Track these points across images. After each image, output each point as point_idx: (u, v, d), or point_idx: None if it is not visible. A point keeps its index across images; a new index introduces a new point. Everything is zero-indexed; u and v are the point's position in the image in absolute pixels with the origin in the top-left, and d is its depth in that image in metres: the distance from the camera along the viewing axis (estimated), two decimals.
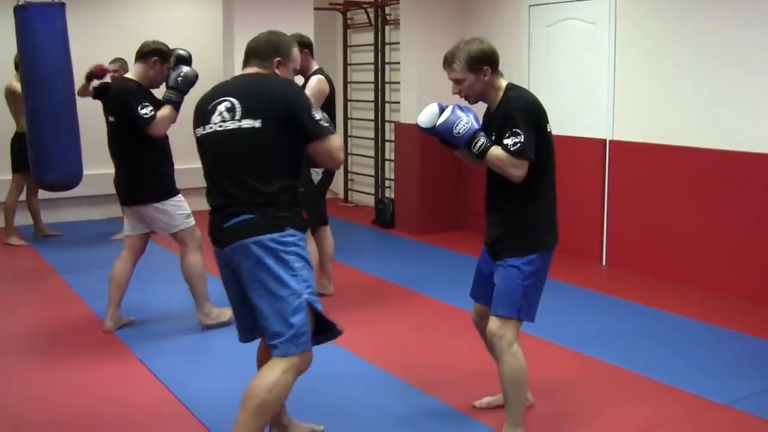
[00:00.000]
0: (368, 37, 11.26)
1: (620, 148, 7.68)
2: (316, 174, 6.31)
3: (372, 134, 11.21)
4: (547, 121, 4.09)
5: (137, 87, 5.70)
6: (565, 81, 8.24)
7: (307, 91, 6.12)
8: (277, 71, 3.78)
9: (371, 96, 11.16)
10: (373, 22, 11.07)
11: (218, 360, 5.47)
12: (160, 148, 5.79)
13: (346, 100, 11.79)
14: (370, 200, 11.29)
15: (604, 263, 7.92)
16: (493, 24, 9.01)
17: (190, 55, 5.90)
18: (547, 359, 5.41)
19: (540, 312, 5.90)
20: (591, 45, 7.93)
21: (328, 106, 6.27)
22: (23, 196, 9.00)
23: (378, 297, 6.92)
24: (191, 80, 5.78)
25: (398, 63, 9.98)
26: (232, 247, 3.63)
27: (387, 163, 11.00)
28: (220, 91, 3.75)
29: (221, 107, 3.66)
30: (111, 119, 5.82)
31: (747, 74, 6.65)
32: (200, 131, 3.75)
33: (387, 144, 10.97)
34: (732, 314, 6.32)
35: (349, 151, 11.87)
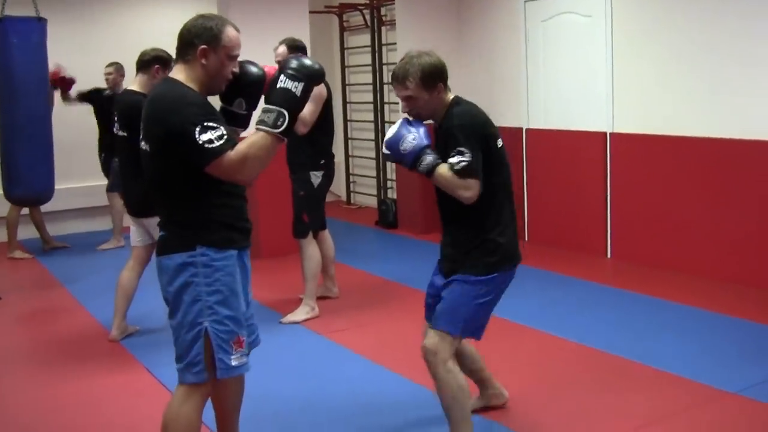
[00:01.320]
0: (365, 38, 11.25)
1: (621, 140, 7.66)
2: (316, 177, 6.30)
3: (372, 135, 11.20)
4: (496, 136, 3.86)
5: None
6: (564, 75, 8.23)
7: None
8: (203, 61, 3.28)
9: (370, 97, 11.15)
10: (369, 24, 11.07)
11: None
12: None
13: (345, 103, 11.79)
14: (373, 201, 11.28)
15: (608, 256, 7.90)
16: (488, 20, 9.01)
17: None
18: (551, 353, 5.42)
19: (545, 306, 5.91)
20: (588, 38, 7.92)
21: (325, 110, 6.26)
22: (26, 210, 9.00)
23: (382, 297, 6.92)
24: None
25: (395, 63, 9.95)
26: (157, 261, 3.43)
27: (388, 164, 10.98)
28: (146, 99, 3.43)
29: (141, 123, 3.38)
30: (121, 133, 5.77)
31: (745, 62, 6.63)
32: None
33: None
34: (737, 303, 6.30)
35: (350, 154, 11.87)
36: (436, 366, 3.85)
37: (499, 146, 3.86)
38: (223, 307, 3.32)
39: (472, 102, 3.94)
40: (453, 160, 3.69)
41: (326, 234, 6.64)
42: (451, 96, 3.90)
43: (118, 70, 8.68)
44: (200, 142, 3.13)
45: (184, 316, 3.32)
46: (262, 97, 3.43)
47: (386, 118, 10.91)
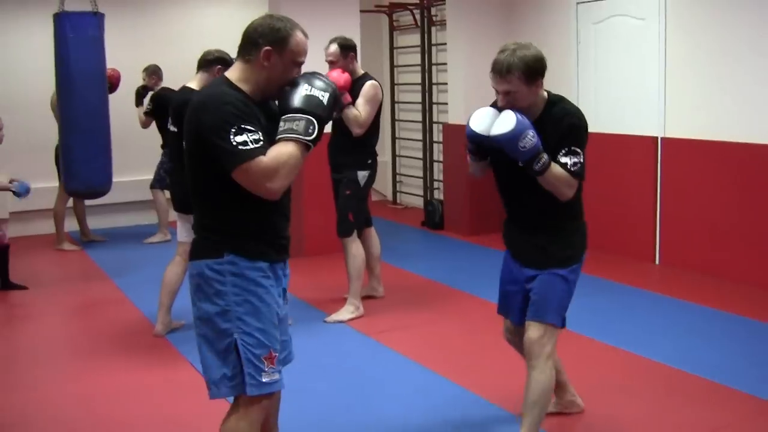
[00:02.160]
0: (415, 38, 11.23)
1: (672, 145, 7.56)
2: (363, 177, 6.30)
3: (420, 136, 11.17)
4: None
5: None
6: (615, 79, 8.13)
7: (361, 98, 6.11)
8: (265, 63, 3.12)
9: (418, 98, 11.12)
10: (419, 24, 11.04)
11: None
12: None
13: (393, 102, 11.77)
14: (419, 202, 11.25)
15: (657, 262, 7.80)
16: (540, 22, 8.93)
17: None
18: (600, 361, 5.35)
19: (593, 313, 5.85)
20: (641, 41, 7.82)
21: (377, 111, 6.27)
22: (70, 203, 9.13)
23: (428, 298, 6.88)
24: None
25: (445, 64, 9.94)
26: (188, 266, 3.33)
27: (435, 164, 10.95)
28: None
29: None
30: (172, 128, 5.79)
31: None
32: None
33: (435, 145, 10.93)
34: None
35: (397, 153, 11.85)
36: (538, 358, 3.85)
37: None
38: (252, 318, 3.15)
39: None
40: (568, 159, 3.69)
41: (372, 231, 6.62)
42: (544, 92, 3.85)
43: (154, 72, 8.87)
44: (234, 143, 2.97)
45: (213, 326, 3.16)
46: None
47: (434, 119, 10.88)
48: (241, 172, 3.00)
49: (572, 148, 3.70)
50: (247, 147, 2.98)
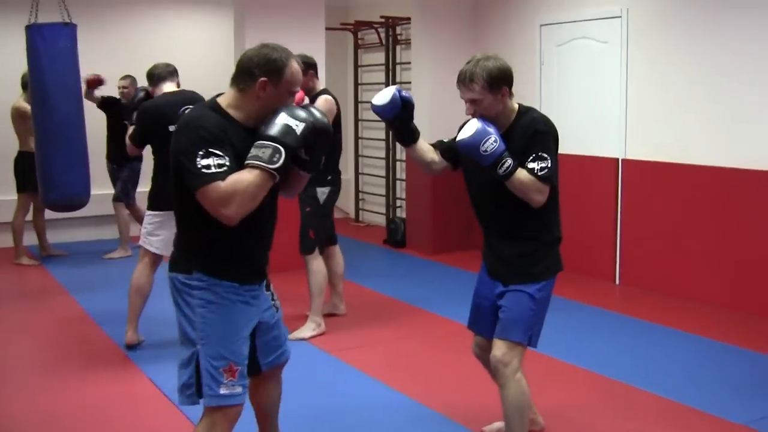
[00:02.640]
0: (379, 56, 11.28)
1: (633, 166, 7.65)
2: (322, 193, 6.30)
3: (383, 154, 11.20)
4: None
5: None
6: (577, 100, 8.22)
7: None
8: (260, 94, 3.18)
9: None
10: (383, 42, 11.09)
11: None
12: None
13: (357, 120, 11.79)
14: (382, 220, 11.27)
15: (617, 282, 7.87)
16: (504, 43, 9.01)
17: None
18: (560, 379, 5.38)
19: (553, 332, 5.86)
20: (603, 64, 7.92)
21: (335, 127, 6.25)
22: (29, 216, 9.02)
23: (390, 316, 6.89)
24: None
25: (409, 82, 9.97)
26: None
27: (398, 182, 10.98)
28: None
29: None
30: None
31: (759, 92, 6.64)
32: None
33: (398, 163, 10.96)
34: (747, 333, 6.26)
35: (359, 171, 11.86)
36: (507, 377, 3.90)
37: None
38: (215, 331, 3.23)
39: None
40: (535, 164, 3.78)
41: (336, 249, 6.62)
42: (515, 103, 3.96)
43: (132, 83, 8.81)
44: (198, 165, 3.02)
45: (182, 336, 3.31)
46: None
47: None
48: (200, 195, 3.07)
49: (539, 153, 3.78)
50: (209, 171, 3.02)
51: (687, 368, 5.57)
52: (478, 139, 3.74)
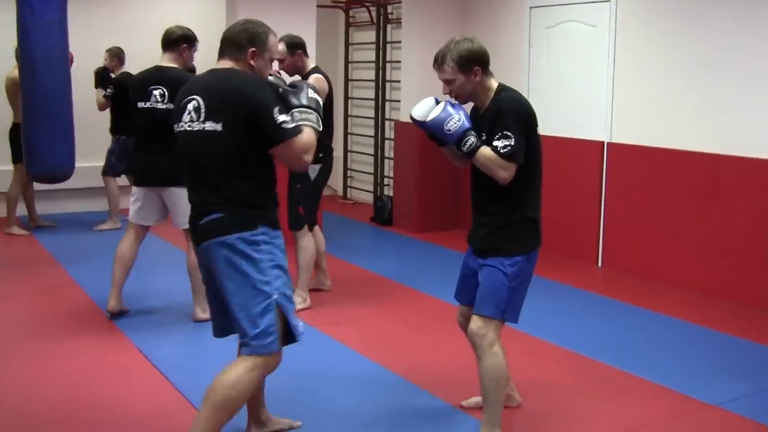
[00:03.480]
0: (370, 35, 11.33)
1: (618, 150, 7.74)
2: (313, 171, 6.36)
3: (372, 132, 11.27)
4: (536, 125, 4.08)
5: None
6: (565, 83, 8.31)
7: None
8: (251, 62, 3.67)
9: (372, 94, 11.22)
10: (375, 21, 11.13)
11: (215, 350, 5.49)
12: None
13: (346, 98, 11.85)
14: (369, 198, 11.35)
15: (599, 265, 7.98)
16: (494, 24, 9.07)
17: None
18: (539, 358, 5.49)
19: (534, 312, 5.96)
20: (591, 47, 7.99)
21: (327, 105, 6.31)
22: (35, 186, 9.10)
23: (374, 293, 6.98)
24: None
25: (399, 62, 10.04)
26: (205, 245, 3.63)
27: (386, 161, 11.06)
28: (190, 88, 3.70)
29: (190, 106, 3.61)
30: (168, 106, 5.66)
31: (743, 80, 6.73)
32: (176, 127, 3.71)
33: (387, 142, 11.04)
34: (724, 317, 6.39)
35: (348, 149, 11.94)
36: (483, 348, 4.03)
37: (539, 135, 4.10)
38: (284, 280, 3.64)
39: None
40: (498, 143, 3.89)
41: (317, 230, 6.68)
42: (495, 83, 4.09)
43: (112, 56, 8.94)
44: (278, 121, 3.50)
45: (252, 291, 3.55)
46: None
47: (387, 116, 10.98)
48: (283, 148, 3.57)
49: (504, 132, 3.90)
50: (290, 126, 3.56)
51: (663, 350, 5.68)
52: (442, 117, 3.98)
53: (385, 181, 11.09)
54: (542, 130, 8.30)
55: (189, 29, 6.03)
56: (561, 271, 7.63)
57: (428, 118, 4.04)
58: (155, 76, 5.92)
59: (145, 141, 5.97)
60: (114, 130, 9.14)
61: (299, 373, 5.12)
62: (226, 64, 3.69)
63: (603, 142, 7.86)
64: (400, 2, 9.85)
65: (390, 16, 10.90)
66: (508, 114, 3.93)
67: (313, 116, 3.70)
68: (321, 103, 3.79)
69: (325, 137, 6.42)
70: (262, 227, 3.58)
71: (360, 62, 11.68)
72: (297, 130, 3.57)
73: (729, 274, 6.84)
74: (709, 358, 5.52)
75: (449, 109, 4.00)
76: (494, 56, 9.11)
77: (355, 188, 11.99)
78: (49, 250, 8.31)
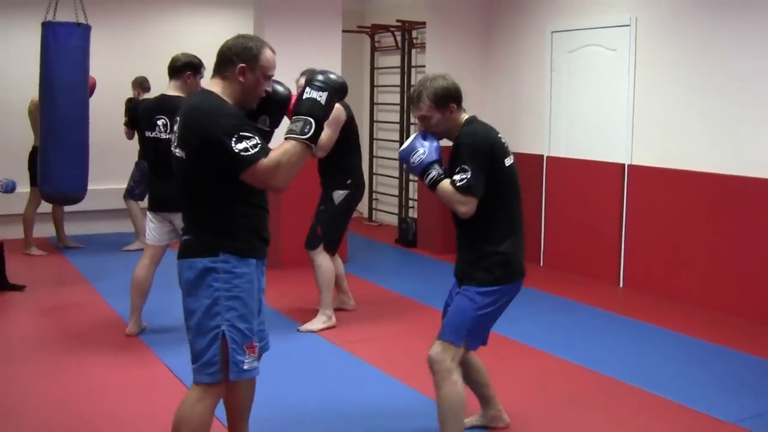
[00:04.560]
0: (395, 59, 11.47)
1: (638, 172, 7.81)
2: (339, 196, 6.48)
3: (397, 155, 11.34)
4: (505, 154, 4.05)
5: None
6: (586, 106, 8.39)
7: None
8: (241, 79, 3.49)
9: (397, 117, 11.33)
10: (399, 45, 11.27)
11: None
12: None
13: (372, 121, 11.97)
14: (394, 220, 11.45)
15: (621, 285, 8.03)
16: (516, 49, 9.18)
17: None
18: (560, 376, 5.54)
19: (556, 331, 6.04)
20: (611, 71, 8.08)
21: (348, 131, 6.42)
22: (48, 208, 9.24)
23: (398, 313, 7.06)
24: None
25: None
26: (177, 263, 3.60)
27: (411, 183, 11.17)
28: (180, 111, 3.62)
29: (175, 127, 3.59)
30: (166, 137, 5.88)
31: (762, 102, 6.78)
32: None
33: None
34: (743, 336, 6.42)
35: (374, 171, 12.05)
36: (441, 376, 4.04)
37: (508, 164, 4.07)
38: (239, 313, 3.49)
39: (484, 122, 4.17)
40: (456, 177, 3.93)
41: (335, 257, 6.74)
42: (465, 116, 4.13)
43: (140, 84, 9.20)
44: (236, 150, 3.31)
45: (203, 318, 3.48)
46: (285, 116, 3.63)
47: None
48: (248, 176, 3.37)
49: (462, 166, 3.93)
50: (248, 153, 3.33)
51: (682, 368, 5.73)
52: (408, 151, 4.04)
53: (410, 203, 11.18)
54: (564, 152, 8.52)
55: (194, 56, 6.07)
56: (582, 291, 7.69)
57: (400, 149, 4.11)
58: (159, 105, 6.07)
59: (155, 168, 6.15)
60: (139, 155, 9.33)
61: (322, 390, 5.21)
62: (212, 84, 3.56)
63: (623, 164, 7.93)
64: (425, 27, 9.98)
65: (414, 41, 11.03)
66: (464, 147, 3.96)
67: (299, 124, 3.43)
68: (326, 96, 3.47)
69: (352, 164, 6.54)
70: (224, 255, 3.46)
71: (385, 86, 11.80)
72: (255, 157, 3.33)
73: (749, 294, 6.87)
74: (727, 377, 5.56)
75: (417, 141, 4.04)
76: (516, 80, 9.29)
77: (380, 210, 12.10)
78: (78, 268, 8.48)
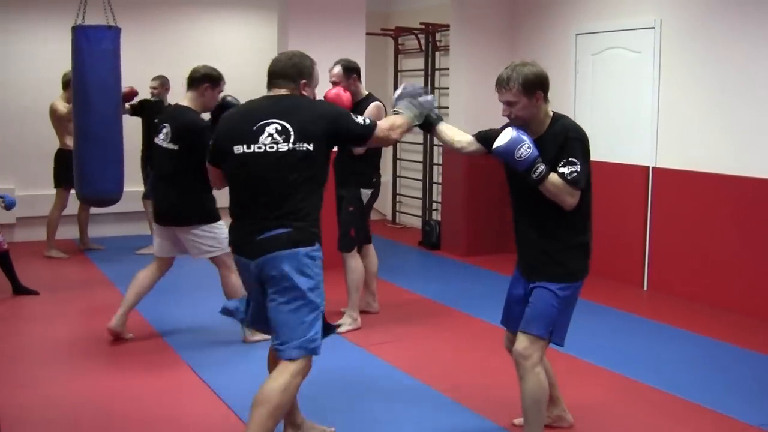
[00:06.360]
0: (419, 62, 11.47)
1: (663, 175, 7.79)
2: (366, 195, 6.53)
3: (420, 157, 11.39)
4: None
5: (204, 121, 5.87)
6: (610, 108, 8.38)
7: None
8: (303, 92, 4.04)
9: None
10: (423, 48, 11.28)
11: (264, 369, 5.65)
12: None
13: None
14: (418, 222, 11.45)
15: (645, 288, 8.01)
16: (540, 51, 9.16)
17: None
18: (585, 379, 5.54)
19: (581, 334, 6.01)
20: (636, 73, 8.07)
21: None
22: (72, 210, 9.31)
23: (422, 315, 7.07)
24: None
25: (447, 88, 10.16)
26: (264, 259, 3.86)
27: (435, 186, 11.18)
28: (261, 113, 3.92)
29: (270, 129, 3.86)
30: (169, 145, 5.89)
31: None
32: (242, 149, 3.88)
33: (435, 167, 11.15)
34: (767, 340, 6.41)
35: (397, 174, 12.07)
36: (526, 369, 4.08)
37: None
38: (324, 295, 4.00)
39: None
40: (565, 169, 3.96)
41: (371, 248, 6.83)
42: (551, 110, 4.15)
43: (163, 84, 9.22)
44: (359, 122, 4.04)
45: (307, 300, 3.87)
46: None
47: (435, 141, 11.09)
48: (375, 136, 4.11)
49: (569, 159, 3.97)
50: (368, 122, 4.10)
51: (707, 372, 5.72)
52: (513, 145, 3.95)
53: (434, 205, 11.19)
54: None
55: (214, 69, 6.00)
56: (607, 294, 7.67)
57: (497, 144, 4.02)
58: (168, 113, 6.11)
59: (155, 176, 6.20)
60: (149, 157, 9.34)
61: (347, 391, 5.23)
62: (283, 91, 4.02)
63: (648, 167, 7.91)
64: (449, 29, 9.99)
65: (438, 44, 11.04)
66: (575, 141, 4.01)
67: (415, 111, 4.32)
68: (425, 111, 4.38)
69: (377, 163, 6.59)
70: (317, 244, 3.92)
71: None
72: (373, 125, 4.09)
73: None
74: (754, 380, 5.55)
75: (518, 135, 3.99)
76: None
77: (403, 213, 12.10)
78: (103, 271, 8.54)
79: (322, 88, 6.36)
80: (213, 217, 5.98)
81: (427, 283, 8.28)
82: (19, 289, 7.50)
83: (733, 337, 6.43)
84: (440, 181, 10.58)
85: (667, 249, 7.77)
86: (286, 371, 3.87)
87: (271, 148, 3.83)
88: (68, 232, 9.70)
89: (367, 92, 6.63)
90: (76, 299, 7.52)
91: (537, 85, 4.02)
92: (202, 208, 5.93)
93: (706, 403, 5.07)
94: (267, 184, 3.86)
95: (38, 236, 9.54)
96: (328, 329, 4.14)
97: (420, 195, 11.47)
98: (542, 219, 4.16)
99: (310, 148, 3.86)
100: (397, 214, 12.19)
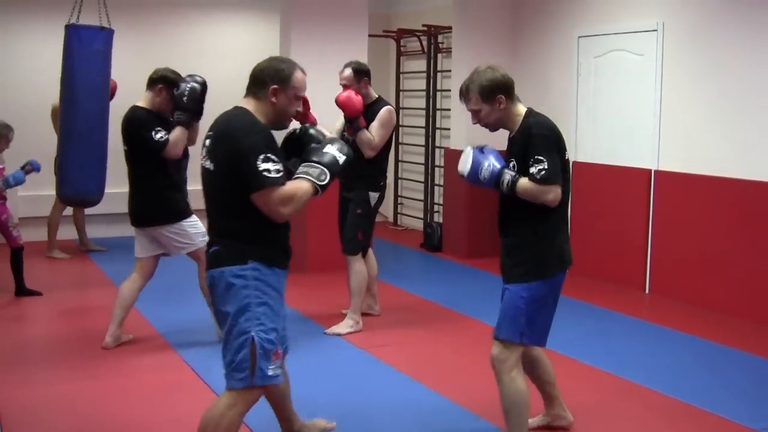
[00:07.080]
0: (421, 64, 11.48)
1: (665, 178, 7.78)
2: (373, 198, 6.54)
3: (422, 159, 11.39)
4: (565, 149, 4.12)
5: (146, 114, 5.86)
6: (613, 111, 8.37)
7: (376, 122, 6.34)
8: (273, 100, 3.65)
9: (422, 122, 11.35)
10: (425, 50, 11.28)
11: None
12: (170, 173, 5.92)
13: (397, 126, 11.92)
14: (419, 224, 11.45)
15: (647, 291, 8.00)
16: (543, 54, 9.17)
17: (203, 81, 5.91)
18: (585, 382, 5.54)
19: (582, 337, 6.01)
20: (638, 76, 8.06)
21: (391, 135, 6.54)
22: (69, 211, 9.30)
23: (424, 318, 7.07)
24: (195, 97, 5.83)
25: (449, 90, 10.16)
26: (208, 274, 3.73)
27: (436, 188, 11.17)
28: (213, 125, 3.73)
29: (207, 142, 3.69)
30: (124, 147, 5.96)
31: None
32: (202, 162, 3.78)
33: (437, 169, 11.15)
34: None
35: (399, 176, 12.07)
36: (501, 373, 4.09)
37: (566, 158, 4.12)
38: (268, 319, 3.60)
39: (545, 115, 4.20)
40: (534, 169, 3.94)
41: (371, 253, 6.82)
42: (523, 108, 4.16)
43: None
44: (260, 169, 3.46)
45: (233, 323, 3.58)
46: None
47: (437, 143, 11.09)
48: (261, 196, 3.51)
49: (536, 157, 3.96)
50: (270, 175, 3.48)
51: (708, 376, 5.71)
52: (474, 169, 4.05)
53: (435, 207, 11.18)
54: (590, 157, 8.49)
55: (173, 71, 6.00)
56: (608, 297, 7.66)
57: (460, 170, 4.11)
58: (125, 116, 6.04)
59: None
60: None
61: (348, 393, 5.23)
62: (245, 102, 3.70)
63: (650, 170, 7.90)
64: (451, 32, 9.99)
65: (440, 46, 11.03)
66: (536, 138, 3.99)
67: (317, 170, 3.65)
68: (344, 160, 3.75)
69: (385, 166, 6.63)
70: (252, 263, 3.59)
71: (411, 91, 11.82)
72: (276, 181, 3.50)
73: None
74: (754, 384, 5.54)
75: (477, 158, 4.06)
76: (543, 85, 9.26)
77: (405, 215, 12.10)
78: (104, 271, 8.55)
79: (332, 92, 6.40)
80: (179, 215, 5.95)
81: (428, 286, 8.28)
82: (22, 291, 7.49)
83: (734, 341, 6.42)
84: (442, 183, 10.58)
85: (669, 252, 7.76)
86: (220, 403, 3.67)
87: (204, 163, 3.70)
88: (69, 232, 9.69)
89: (377, 96, 6.61)
90: (77, 299, 7.53)
91: (495, 90, 4.06)
92: (165, 208, 5.91)
93: (706, 406, 5.07)
94: (206, 199, 3.75)
95: (39, 236, 9.52)
96: (264, 363, 3.60)
97: (421, 197, 11.46)
98: (505, 217, 4.21)
99: (211, 168, 3.63)
100: (398, 216, 12.19)
